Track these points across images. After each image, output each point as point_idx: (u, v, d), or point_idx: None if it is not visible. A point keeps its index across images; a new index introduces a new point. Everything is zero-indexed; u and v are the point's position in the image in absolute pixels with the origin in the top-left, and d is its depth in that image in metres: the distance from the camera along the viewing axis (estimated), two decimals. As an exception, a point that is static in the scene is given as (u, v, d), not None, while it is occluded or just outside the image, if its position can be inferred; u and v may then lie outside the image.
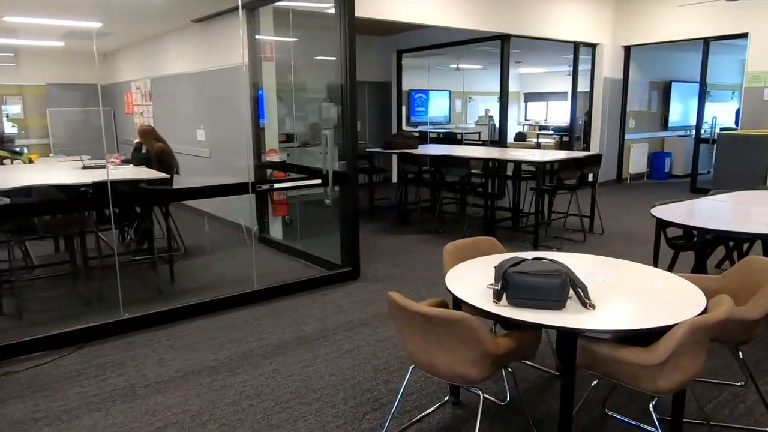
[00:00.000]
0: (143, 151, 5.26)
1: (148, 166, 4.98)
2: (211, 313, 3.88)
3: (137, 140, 5.39)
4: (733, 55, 11.88)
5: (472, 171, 5.95)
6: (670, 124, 11.00)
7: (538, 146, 12.42)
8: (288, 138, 7.90)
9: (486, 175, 6.71)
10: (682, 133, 11.27)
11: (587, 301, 2.10)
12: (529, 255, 2.32)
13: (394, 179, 10.23)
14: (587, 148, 9.68)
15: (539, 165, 5.39)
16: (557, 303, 2.09)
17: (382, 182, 9.71)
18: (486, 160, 5.81)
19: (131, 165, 5.21)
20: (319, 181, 4.31)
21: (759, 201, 4.15)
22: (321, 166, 4.45)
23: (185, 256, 5.35)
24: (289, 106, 7.03)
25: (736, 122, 11.60)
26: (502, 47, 8.11)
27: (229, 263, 5.20)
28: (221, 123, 6.43)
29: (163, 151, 4.96)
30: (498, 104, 17.67)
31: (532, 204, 6.71)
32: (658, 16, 8.93)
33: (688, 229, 3.74)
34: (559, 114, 17.61)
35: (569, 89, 17.13)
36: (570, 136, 9.70)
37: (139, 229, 4.91)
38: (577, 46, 9.08)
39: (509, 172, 6.58)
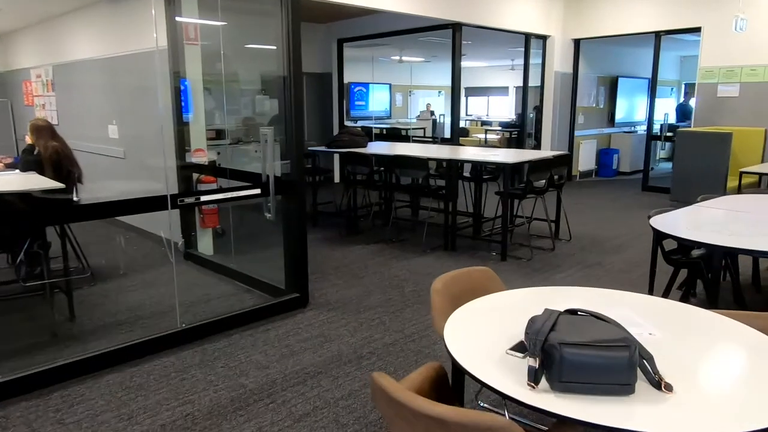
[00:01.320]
0: (35, 152, 4.25)
1: (39, 172, 4.00)
2: (122, 364, 3.02)
3: (28, 139, 4.36)
4: (672, 51, 11.91)
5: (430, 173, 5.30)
6: (616, 121, 10.83)
7: (485, 143, 11.99)
8: (218, 135, 6.98)
9: (443, 176, 6.08)
10: (627, 129, 11.15)
11: (660, 379, 1.47)
12: (545, 291, 1.66)
13: (337, 179, 9.47)
14: (538, 146, 9.29)
15: (507, 167, 4.81)
16: (625, 387, 1.44)
17: (323, 183, 8.92)
18: (447, 161, 5.18)
19: (18, 170, 4.19)
20: (257, 191, 3.51)
21: (762, 208, 3.71)
22: (260, 170, 3.64)
23: (92, 281, 4.40)
24: (219, 99, 6.13)
25: (677, 119, 11.65)
26: (454, 37, 7.52)
27: (149, 290, 4.30)
28: (137, 118, 5.45)
29: (57, 152, 3.98)
30: (439, 98, 17.28)
31: (498, 208, 6.17)
32: (608, 8, 8.62)
33: (700, 247, 3.23)
34: (500, 109, 17.37)
35: (511, 84, 16.96)
36: (521, 132, 9.27)
37: (29, 252, 3.92)
38: (528, 37, 8.64)
39: (466, 173, 6.00)
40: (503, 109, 17.14)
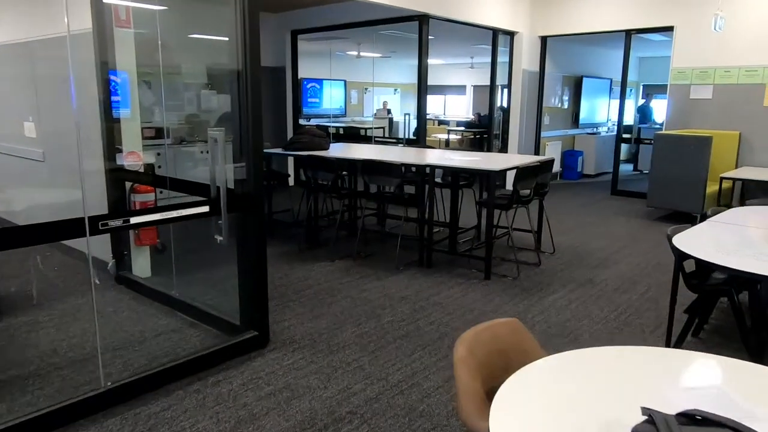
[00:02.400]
0: None
1: None
2: (22, 443, 2.27)
3: None
4: (631, 51, 11.78)
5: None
6: (580, 121, 10.56)
7: (447, 144, 11.51)
8: (159, 133, 6.16)
9: (416, 183, 5.50)
10: (590, 130, 10.91)
11: None
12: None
13: (292, 182, 8.75)
14: (504, 148, 8.86)
15: (493, 174, 4.26)
16: None
17: (277, 188, 8.17)
18: (425, 167, 4.59)
19: None
20: (205, 209, 2.81)
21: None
22: (208, 179, 2.94)
23: (-5, 315, 3.57)
24: (158, 93, 5.33)
25: (641, 120, 11.51)
26: (420, 30, 6.95)
27: (69, 326, 3.51)
28: (59, 114, 4.60)
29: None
30: (395, 96, 16.71)
31: (476, 218, 5.63)
32: (578, 5, 8.27)
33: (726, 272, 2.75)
34: (457, 108, 16.99)
35: (469, 83, 16.59)
36: (488, 133, 8.81)
37: None
38: (495, 33, 8.17)
39: (437, 178, 5.44)
40: (460, 109, 16.77)
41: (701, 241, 2.98)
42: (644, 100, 11.86)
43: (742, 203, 7.02)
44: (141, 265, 4.23)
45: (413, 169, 5.01)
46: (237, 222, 3.04)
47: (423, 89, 7.12)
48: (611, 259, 5.04)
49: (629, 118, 13.20)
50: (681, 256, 2.94)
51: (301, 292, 4.10)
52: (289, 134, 8.72)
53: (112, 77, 4.06)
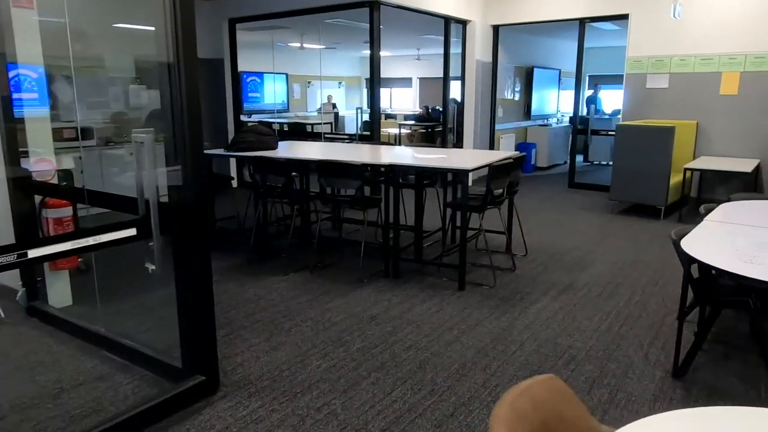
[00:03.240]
0: None
1: None
2: None
3: None
4: (574, 42, 11.71)
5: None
6: (532, 113, 10.37)
7: (398, 139, 11.07)
8: (80, 134, 5.43)
9: (377, 183, 5.03)
10: (541, 122, 10.75)
11: None
12: None
13: (235, 183, 8.07)
14: (459, 142, 8.51)
15: (464, 174, 3.84)
16: None
17: (220, 191, 7.49)
18: (390, 167, 4.11)
19: None
20: (131, 232, 2.23)
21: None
22: (135, 192, 2.36)
23: None
24: (81, 89, 4.62)
25: (589, 111, 11.45)
26: (371, 17, 6.46)
27: (-37, 376, 2.83)
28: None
29: None
30: (340, 90, 16.15)
31: (438, 218, 5.20)
32: (530, -8, 7.99)
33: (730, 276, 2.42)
34: (403, 101, 16.60)
35: (415, 75, 16.22)
36: (443, 127, 8.43)
37: None
38: (448, 22, 7.78)
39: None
40: (407, 102, 16.39)
41: (715, 247, 2.65)
42: (592, 91, 11.83)
43: (700, 195, 6.94)
44: (58, 292, 3.55)
45: (368, 168, 4.53)
46: (174, 241, 2.47)
47: (376, 81, 6.64)
48: (586, 259, 4.74)
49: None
50: (699, 267, 2.60)
51: (253, 315, 3.55)
52: (231, 132, 8.05)
53: (24, 71, 3.37)
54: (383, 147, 5.27)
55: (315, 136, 8.35)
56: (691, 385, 2.72)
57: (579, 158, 11.43)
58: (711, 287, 2.82)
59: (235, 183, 8.05)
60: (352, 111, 15.27)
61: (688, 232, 2.93)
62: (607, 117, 10.55)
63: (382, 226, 4.74)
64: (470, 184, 6.09)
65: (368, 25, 6.55)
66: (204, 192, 2.49)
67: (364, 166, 4.07)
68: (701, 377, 2.78)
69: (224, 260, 4.69)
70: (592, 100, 11.47)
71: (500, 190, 4.21)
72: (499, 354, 3.03)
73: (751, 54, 6.52)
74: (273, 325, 3.40)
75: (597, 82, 12.33)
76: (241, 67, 8.71)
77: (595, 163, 10.88)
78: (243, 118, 9.22)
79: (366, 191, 4.77)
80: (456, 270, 4.12)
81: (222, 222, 5.67)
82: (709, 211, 3.45)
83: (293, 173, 5.26)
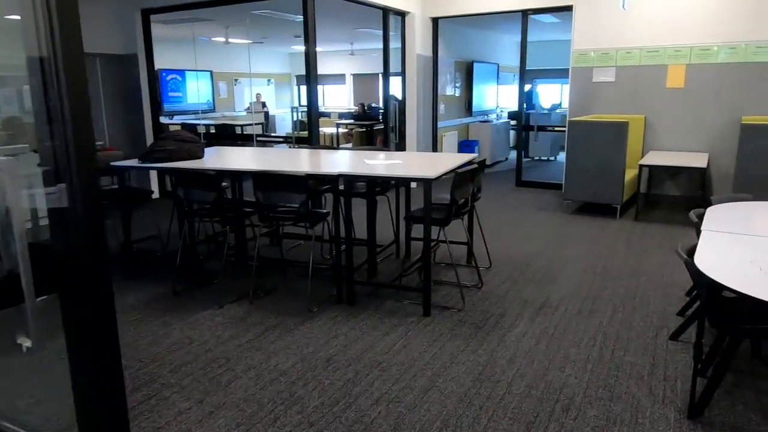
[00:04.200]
0: None
1: None
2: None
3: None
4: (511, 35, 11.53)
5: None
6: (473, 109, 10.04)
7: (336, 140, 10.46)
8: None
9: (323, 193, 4.45)
10: (482, 118, 10.46)
11: None
12: None
13: (157, 194, 7.23)
14: (402, 142, 8.03)
15: (428, 183, 3.33)
16: None
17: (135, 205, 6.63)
18: (341, 177, 3.53)
19: None
20: (-6, 298, 1.55)
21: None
22: None
23: None
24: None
25: (528, 106, 11.28)
26: (305, 6, 5.83)
27: None
28: None
29: None
30: (269, 88, 15.31)
31: (401, 233, 4.68)
32: (470, -17, 7.61)
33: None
34: (337, 99, 15.98)
35: (348, 71, 15.62)
36: (384, 125, 7.91)
37: None
38: (386, 13, 7.27)
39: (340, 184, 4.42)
40: (340, 100, 15.79)
41: (733, 267, 2.26)
42: (530, 86, 11.68)
43: (649, 191, 6.80)
44: None
45: (312, 178, 3.93)
46: (61, 295, 1.80)
47: (312, 78, 6.02)
48: (553, 269, 4.36)
49: (513, 104, 13.07)
50: (700, 283, 2.20)
51: (182, 368, 2.89)
52: (149, 138, 7.18)
53: None
54: (326, 151, 4.68)
55: (245, 139, 7.61)
56: (711, 429, 2.33)
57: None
58: (722, 309, 2.44)
59: (156, 194, 7.21)
60: (283, 110, 14.51)
61: (692, 246, 2.55)
62: (545, 112, 10.41)
63: (330, 241, 4.17)
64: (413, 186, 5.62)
65: (300, 16, 5.92)
66: (100, 222, 1.83)
67: (310, 176, 3.48)
68: (719, 417, 2.40)
69: (145, 291, 3.96)
70: (528, 95, 11.31)
71: (464, 199, 3.73)
72: (486, 401, 2.55)
73: (696, 46, 6.41)
74: (207, 380, 2.76)
75: (533, 76, 12.20)
76: (159, 64, 7.86)
77: (536, 159, 10.73)
78: (163, 120, 8.34)
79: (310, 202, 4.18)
80: (419, 292, 3.61)
81: (141, 243, 4.90)
82: (700, 217, 3.12)
83: (224, 183, 4.58)
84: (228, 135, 8.67)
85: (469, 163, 4.07)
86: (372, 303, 3.72)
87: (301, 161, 4.09)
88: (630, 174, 6.11)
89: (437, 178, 3.32)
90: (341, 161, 4.04)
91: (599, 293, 3.85)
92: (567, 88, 12.67)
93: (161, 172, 6.77)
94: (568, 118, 7.23)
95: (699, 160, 5.87)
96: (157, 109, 7.32)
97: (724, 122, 6.42)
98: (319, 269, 4.36)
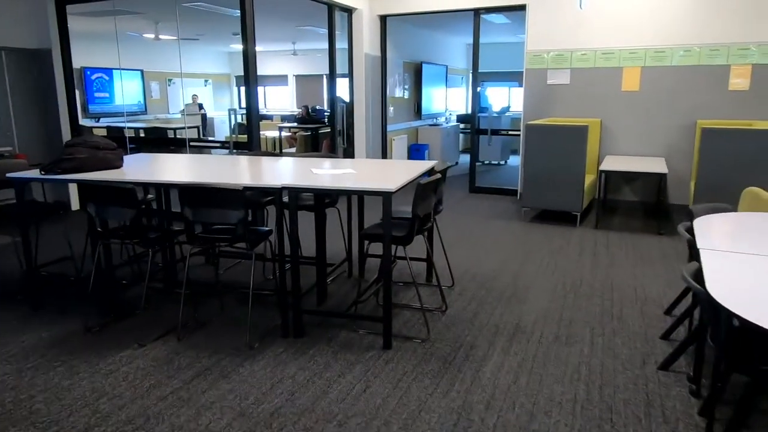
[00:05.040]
0: None
1: None
2: None
3: None
4: (459, 36, 11.29)
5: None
6: (423, 112, 9.69)
7: (280, 144, 9.86)
8: None
9: (263, 206, 3.92)
10: (431, 122, 10.13)
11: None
12: None
13: (75, 205, 6.46)
14: (351, 147, 7.56)
15: (387, 197, 2.87)
16: None
17: (47, 219, 5.86)
18: (289, 190, 3.02)
19: None
20: None
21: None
22: None
23: None
24: None
25: (483, 109, 11.03)
26: (243, 4, 5.28)
27: None
28: None
29: None
30: (206, 89, 14.48)
31: (354, 248, 4.19)
32: (420, -21, 7.24)
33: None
34: (279, 101, 15.31)
35: (291, 72, 14.99)
36: (332, 129, 7.41)
37: None
38: (332, 9, 6.79)
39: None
40: (283, 101, 15.14)
41: (749, 293, 1.91)
42: (479, 88, 11.45)
43: (605, 196, 6.61)
44: None
45: (251, 190, 3.41)
46: None
47: (252, 79, 5.46)
48: (520, 287, 4.00)
49: (461, 107, 12.85)
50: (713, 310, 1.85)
51: (87, 434, 2.31)
52: (64, 149, 6.39)
53: None
54: (267, 158, 4.15)
55: (178, 145, 6.92)
56: (731, 487, 1.98)
57: (467, 158, 11.04)
58: (735, 343, 2.10)
59: (77, 205, 6.44)
60: (222, 112, 13.74)
61: (695, 268, 2.21)
62: (496, 115, 10.19)
63: (273, 260, 3.65)
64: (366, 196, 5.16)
65: (238, 11, 5.36)
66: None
67: (248, 189, 2.96)
68: (736, 470, 2.06)
69: (50, 328, 3.31)
70: (477, 98, 11.08)
71: (427, 212, 3.30)
72: (466, 463, 2.11)
73: (651, 48, 6.27)
74: (119, 450, 2.20)
75: (481, 79, 12.00)
76: (84, 61, 7.10)
77: (486, 162, 10.50)
78: (87, 123, 7.54)
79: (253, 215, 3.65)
80: (378, 322, 3.15)
81: (51, 267, 4.22)
82: (689, 231, 2.81)
83: (149, 197, 3.99)
84: (159, 140, 7.92)
85: (430, 172, 3.66)
86: (323, 334, 3.23)
87: (238, 170, 3.55)
88: (588, 180, 5.88)
89: (396, 191, 2.87)
90: (285, 170, 3.53)
91: (573, 315, 3.50)
92: (515, 90, 12.61)
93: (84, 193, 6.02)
94: (523, 122, 6.97)
95: (658, 165, 5.70)
96: (74, 110, 6.54)
97: (679, 126, 6.30)
98: (261, 295, 3.82)
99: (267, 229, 3.31)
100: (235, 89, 15.25)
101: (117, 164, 3.62)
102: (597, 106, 6.61)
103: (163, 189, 3.91)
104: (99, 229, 3.31)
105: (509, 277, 4.19)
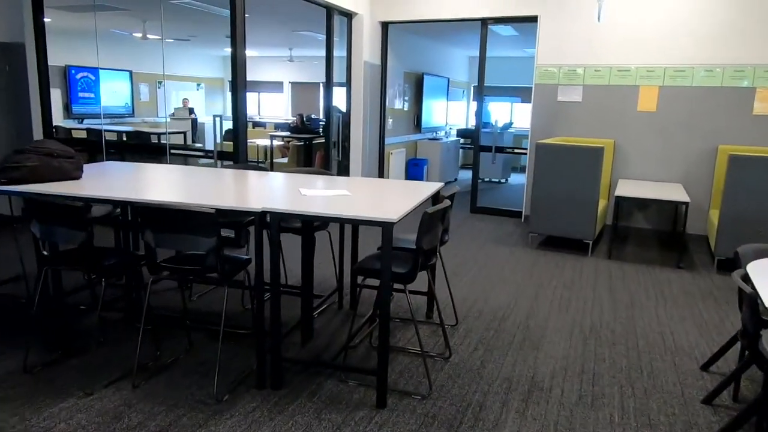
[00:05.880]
0: None
1: None
2: None
3: None
4: (460, 48, 10.90)
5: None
6: (423, 126, 9.25)
7: (270, 154, 9.38)
8: None
9: (243, 227, 3.43)
10: (431, 135, 9.70)
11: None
12: None
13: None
14: (346, 159, 7.10)
15: (389, 227, 2.40)
16: None
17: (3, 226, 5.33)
18: (260, 215, 2.54)
19: None
20: None
21: None
22: None
23: None
24: None
25: (485, 124, 10.61)
26: (233, 4, 4.83)
27: None
28: None
29: None
30: (199, 93, 14.01)
31: (327, 271, 3.71)
32: (425, -15, 6.82)
33: None
34: (274, 108, 14.85)
35: (287, 78, 14.55)
36: (326, 141, 6.94)
37: None
38: (330, 12, 6.35)
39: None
40: (277, 109, 14.69)
41: None
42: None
43: (616, 222, 6.15)
44: None
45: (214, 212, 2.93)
46: None
47: (240, 84, 5.00)
48: (533, 328, 3.53)
49: (461, 121, 12.44)
50: None
51: None
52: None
53: None
54: (253, 173, 3.68)
55: (158, 152, 6.37)
56: None
57: (467, 174, 10.61)
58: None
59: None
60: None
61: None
62: (499, 131, 9.77)
63: (251, 289, 3.17)
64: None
65: (228, 11, 4.92)
66: None
67: (223, 213, 2.47)
68: None
69: (-17, 366, 2.80)
70: (480, 113, 10.66)
71: (433, 246, 2.83)
72: None
73: (671, 67, 5.86)
74: None
75: (484, 93, 11.61)
76: (69, 59, 6.62)
77: (487, 180, 10.06)
78: (68, 124, 7.05)
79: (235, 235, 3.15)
80: (371, 375, 2.67)
81: (2, 287, 3.70)
82: (745, 279, 2.36)
83: (117, 210, 3.52)
84: (139, 146, 7.38)
85: (435, 196, 3.20)
86: (306, 384, 2.74)
87: (216, 187, 3.07)
88: (600, 205, 5.44)
89: (398, 221, 2.40)
90: (269, 189, 3.05)
91: (597, 367, 3.03)
92: (518, 106, 12.21)
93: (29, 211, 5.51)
94: (530, 140, 6.55)
95: (678, 193, 5.27)
96: (48, 110, 6.04)
97: (699, 150, 5.89)
98: (232, 334, 3.33)
99: (246, 257, 2.83)
100: (229, 94, 14.78)
101: (74, 175, 3.13)
102: (610, 126, 6.19)
103: (127, 206, 3.43)
104: (44, 253, 2.82)
105: (519, 316, 3.72)
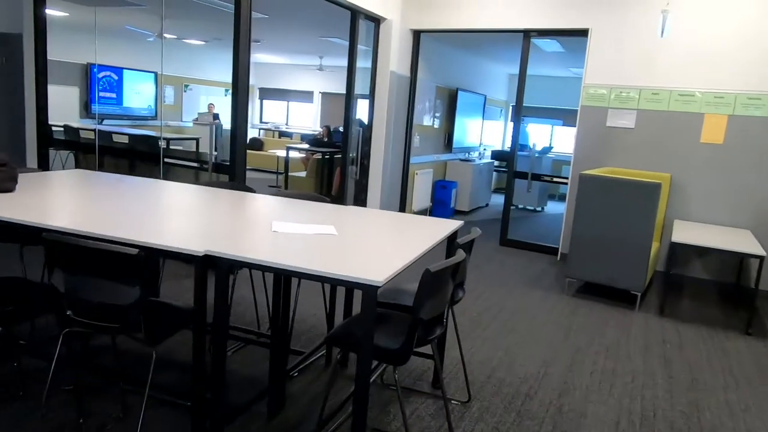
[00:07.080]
0: None
1: None
2: None
3: None
4: (499, 64, 10.19)
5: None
6: (454, 145, 8.54)
7: (286, 167, 8.80)
8: None
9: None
10: (462, 156, 8.97)
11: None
12: None
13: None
14: (365, 176, 6.44)
15: (373, 292, 1.71)
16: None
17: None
18: (202, 258, 1.88)
19: None
20: None
21: None
22: None
23: None
24: None
25: (522, 147, 9.84)
26: (238, 2, 4.25)
27: None
28: None
29: None
30: (227, 98, 13.65)
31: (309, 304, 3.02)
32: (463, -9, 6.16)
33: None
34: (303, 118, 14.36)
35: (317, 88, 14.05)
36: (344, 156, 6.30)
37: None
38: (355, 15, 5.73)
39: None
40: (306, 119, 14.19)
41: None
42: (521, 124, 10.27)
43: (669, 270, 5.29)
44: None
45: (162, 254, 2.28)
46: None
47: (244, 88, 4.41)
48: (567, 412, 2.76)
49: (496, 142, 11.68)
50: None
51: None
52: (30, 146, 5.43)
53: None
54: (229, 194, 3.04)
55: (149, 160, 5.73)
56: None
57: (500, 199, 9.84)
58: None
59: None
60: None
61: None
62: (536, 155, 8.98)
63: (212, 336, 2.50)
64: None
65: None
66: None
67: (154, 253, 1.82)
68: None
69: None
70: (517, 134, 9.90)
71: (438, 314, 2.12)
72: None
73: (743, 93, 5.03)
74: None
75: (523, 113, 10.85)
76: (91, 57, 6.20)
77: (520, 207, 9.27)
78: (86, 123, 6.60)
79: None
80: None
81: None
82: None
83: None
84: (141, 153, 6.82)
85: (451, 238, 2.50)
86: (257, 487, 2.04)
87: (166, 213, 2.43)
88: (652, 249, 4.62)
89: (383, 285, 1.71)
90: (234, 219, 2.40)
91: (653, 484, 2.26)
92: (559, 129, 11.40)
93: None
94: (572, 167, 5.77)
95: (747, 242, 4.42)
96: (44, 106, 5.57)
97: (773, 193, 5.02)
98: (174, 401, 2.66)
99: (185, 307, 2.16)
100: (257, 101, 14.38)
101: (6, 186, 2.54)
102: (667, 159, 5.37)
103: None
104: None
105: (550, 393, 2.96)
